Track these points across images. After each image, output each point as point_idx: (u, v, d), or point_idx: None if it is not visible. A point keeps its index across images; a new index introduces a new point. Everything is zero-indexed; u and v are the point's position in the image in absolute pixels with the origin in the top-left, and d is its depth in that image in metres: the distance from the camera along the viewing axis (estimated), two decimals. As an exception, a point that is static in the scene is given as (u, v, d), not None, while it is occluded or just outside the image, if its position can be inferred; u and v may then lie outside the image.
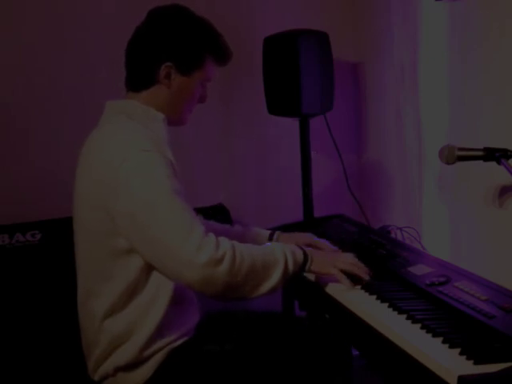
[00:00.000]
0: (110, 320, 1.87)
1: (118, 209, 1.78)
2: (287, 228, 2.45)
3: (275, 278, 1.84)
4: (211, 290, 1.75)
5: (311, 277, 2.07)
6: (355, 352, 2.11)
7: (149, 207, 1.75)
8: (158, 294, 1.86)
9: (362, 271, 1.98)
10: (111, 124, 1.93)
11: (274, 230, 2.34)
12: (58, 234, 2.61)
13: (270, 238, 2.29)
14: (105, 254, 1.85)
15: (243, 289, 1.80)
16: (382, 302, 1.85)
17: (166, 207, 1.76)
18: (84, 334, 1.98)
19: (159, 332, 1.86)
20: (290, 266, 1.88)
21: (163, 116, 1.96)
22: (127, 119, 1.92)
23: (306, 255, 1.93)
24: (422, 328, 1.65)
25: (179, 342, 1.90)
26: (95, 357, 1.91)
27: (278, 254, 1.87)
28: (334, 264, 1.97)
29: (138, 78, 1.97)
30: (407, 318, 1.73)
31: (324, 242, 2.23)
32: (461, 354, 1.49)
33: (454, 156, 2.05)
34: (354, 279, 1.97)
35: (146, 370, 1.87)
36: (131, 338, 1.86)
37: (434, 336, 1.60)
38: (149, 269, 1.84)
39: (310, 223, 2.79)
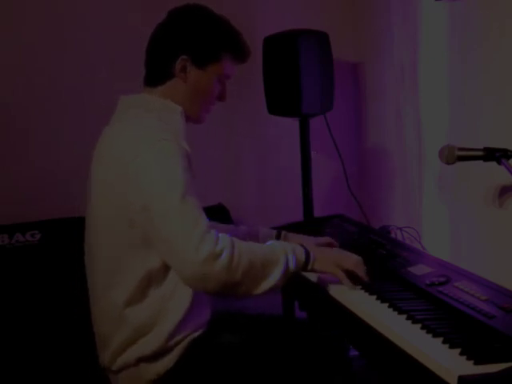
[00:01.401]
0: (131, 309, 1.87)
1: (131, 203, 1.79)
2: (287, 228, 2.45)
3: (275, 276, 1.84)
4: (210, 285, 1.75)
5: (311, 277, 2.07)
6: (355, 352, 2.11)
7: (158, 200, 1.76)
8: (181, 283, 1.84)
9: (363, 273, 1.97)
10: (123, 119, 1.94)
11: (279, 229, 2.34)
12: (58, 234, 2.61)
13: (278, 238, 2.28)
14: (125, 246, 1.85)
15: (242, 286, 1.79)
16: (382, 302, 1.85)
17: (175, 202, 1.75)
18: (100, 326, 1.96)
19: (184, 321, 1.87)
20: (292, 265, 1.87)
21: (181, 109, 1.96)
22: (143, 112, 1.92)
23: (308, 254, 1.93)
24: (422, 328, 1.65)
25: (197, 334, 1.91)
26: (114, 347, 1.90)
27: (279, 253, 1.87)
28: (337, 263, 1.96)
29: (156, 72, 1.98)
30: (407, 318, 1.73)
31: (327, 239, 2.24)
32: (461, 354, 1.49)
33: (454, 156, 2.05)
34: (353, 279, 1.97)
35: (169, 360, 1.87)
36: (156, 328, 1.86)
37: (434, 336, 1.60)
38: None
39: (310, 223, 2.79)
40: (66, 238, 2.57)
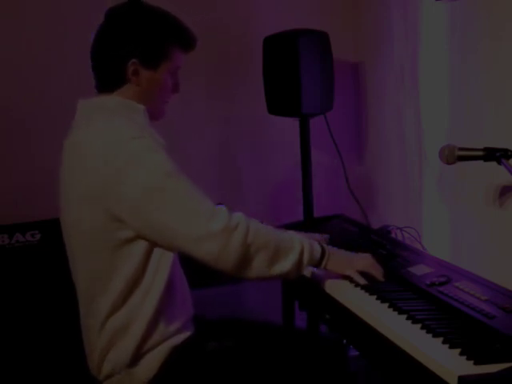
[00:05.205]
0: (113, 315, 1.86)
1: (120, 202, 1.78)
2: (287, 228, 2.44)
3: (287, 263, 1.84)
4: (224, 261, 1.76)
5: (311, 276, 2.07)
6: (355, 352, 2.11)
7: (152, 192, 1.76)
8: (153, 284, 1.85)
9: (379, 273, 1.99)
10: (92, 122, 1.90)
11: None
12: (58, 234, 2.57)
13: None
14: (105, 249, 1.83)
15: (254, 264, 1.80)
16: (382, 302, 1.85)
17: (172, 188, 1.77)
18: (87, 334, 1.96)
19: (155, 323, 1.85)
20: (305, 258, 1.88)
21: (143, 107, 1.94)
22: (109, 115, 1.89)
23: (323, 251, 1.94)
24: (422, 328, 1.65)
25: (180, 339, 1.90)
26: (96, 357, 1.90)
27: (295, 242, 1.88)
28: (351, 265, 1.97)
29: (108, 80, 1.95)
30: (407, 318, 1.72)
31: None
32: (461, 354, 1.49)
33: (454, 156, 2.05)
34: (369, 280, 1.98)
35: (149, 366, 1.86)
36: (128, 332, 1.85)
37: (434, 336, 1.60)
38: (147, 258, 1.84)
39: (310, 223, 2.78)
40: (65, 238, 2.57)
